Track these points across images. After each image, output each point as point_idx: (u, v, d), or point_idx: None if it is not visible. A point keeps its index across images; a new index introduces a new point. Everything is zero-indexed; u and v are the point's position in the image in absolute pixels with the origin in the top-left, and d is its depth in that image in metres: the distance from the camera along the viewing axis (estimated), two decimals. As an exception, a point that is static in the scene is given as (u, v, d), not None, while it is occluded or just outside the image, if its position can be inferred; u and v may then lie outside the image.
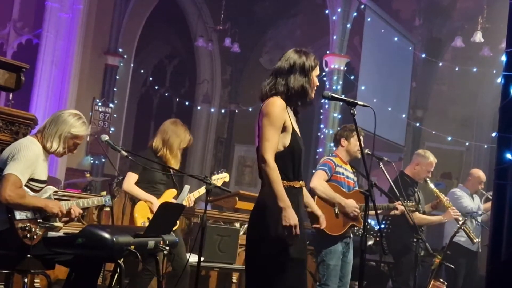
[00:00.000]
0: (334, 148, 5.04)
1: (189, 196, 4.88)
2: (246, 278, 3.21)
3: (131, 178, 4.75)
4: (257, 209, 3.14)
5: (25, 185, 3.49)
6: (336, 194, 4.62)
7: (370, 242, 6.49)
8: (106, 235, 3.29)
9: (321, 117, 11.32)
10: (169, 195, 4.84)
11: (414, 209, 5.27)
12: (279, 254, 3.01)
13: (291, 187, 3.11)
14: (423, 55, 12.16)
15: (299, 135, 3.20)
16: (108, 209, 4.30)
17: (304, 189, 3.29)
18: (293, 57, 3.19)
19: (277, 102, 3.09)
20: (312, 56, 3.23)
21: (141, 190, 4.73)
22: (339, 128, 5.13)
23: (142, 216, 4.66)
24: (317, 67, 3.24)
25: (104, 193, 3.99)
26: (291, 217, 2.94)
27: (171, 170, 4.75)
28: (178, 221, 4.80)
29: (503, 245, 3.49)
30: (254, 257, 3.10)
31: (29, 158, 3.47)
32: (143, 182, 4.77)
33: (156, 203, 4.62)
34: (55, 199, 3.71)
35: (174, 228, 4.60)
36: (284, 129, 3.10)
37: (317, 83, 3.26)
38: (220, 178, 5.05)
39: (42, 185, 3.62)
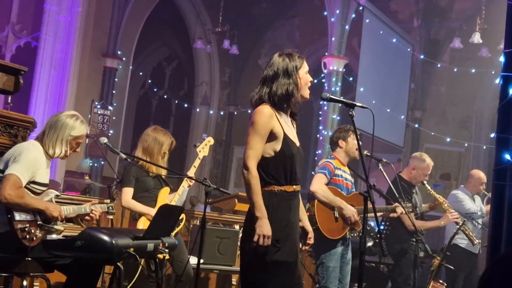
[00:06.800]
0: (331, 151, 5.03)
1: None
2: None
3: (127, 194, 4.67)
4: (249, 211, 3.17)
5: (27, 187, 3.51)
6: (336, 197, 4.61)
7: (369, 244, 6.48)
8: (106, 238, 3.29)
9: (320, 118, 11.34)
10: (163, 195, 4.78)
11: (411, 210, 5.26)
12: (264, 256, 3.01)
13: (282, 191, 3.11)
14: (422, 56, 12.18)
15: (294, 140, 3.18)
16: (111, 216, 4.28)
17: (301, 203, 3.29)
18: (276, 62, 3.18)
19: (263, 110, 3.10)
20: (294, 56, 3.20)
21: (139, 204, 4.66)
22: (334, 131, 5.13)
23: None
24: (304, 64, 3.22)
25: (108, 201, 3.96)
26: (265, 228, 2.97)
27: (168, 172, 4.72)
28: (181, 223, 4.78)
29: (502, 245, 3.49)
30: (244, 257, 3.15)
31: (30, 160, 3.50)
32: (138, 192, 4.70)
33: (154, 213, 4.58)
34: (57, 202, 3.71)
35: (176, 230, 4.59)
36: (273, 136, 3.10)
37: (310, 79, 3.24)
38: (205, 145, 4.93)
39: (44, 188, 3.64)
